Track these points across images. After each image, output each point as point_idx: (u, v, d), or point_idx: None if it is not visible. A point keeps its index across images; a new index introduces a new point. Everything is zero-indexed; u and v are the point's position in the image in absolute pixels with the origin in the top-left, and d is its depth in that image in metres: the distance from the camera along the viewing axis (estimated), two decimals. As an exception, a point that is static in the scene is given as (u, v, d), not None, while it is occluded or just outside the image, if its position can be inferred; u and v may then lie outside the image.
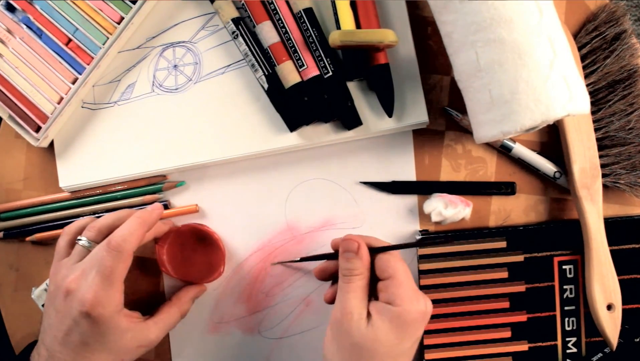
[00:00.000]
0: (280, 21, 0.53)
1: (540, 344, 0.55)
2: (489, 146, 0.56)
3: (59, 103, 0.55)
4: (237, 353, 0.57)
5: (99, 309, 0.46)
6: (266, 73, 0.53)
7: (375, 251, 0.47)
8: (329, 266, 0.52)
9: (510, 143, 0.55)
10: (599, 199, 0.53)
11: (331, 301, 0.49)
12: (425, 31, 0.56)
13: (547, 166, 0.55)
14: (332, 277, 0.52)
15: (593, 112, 0.54)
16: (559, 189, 0.56)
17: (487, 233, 0.55)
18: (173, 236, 0.55)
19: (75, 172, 0.56)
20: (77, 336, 0.46)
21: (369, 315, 0.45)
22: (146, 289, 0.58)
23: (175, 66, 0.56)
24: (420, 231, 0.56)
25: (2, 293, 0.58)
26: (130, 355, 0.49)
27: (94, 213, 0.57)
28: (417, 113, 0.54)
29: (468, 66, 0.47)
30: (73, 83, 0.55)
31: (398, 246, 0.47)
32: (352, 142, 0.56)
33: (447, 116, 0.56)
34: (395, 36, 0.51)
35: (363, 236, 0.49)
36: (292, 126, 0.53)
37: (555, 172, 0.55)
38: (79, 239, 0.49)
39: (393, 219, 0.56)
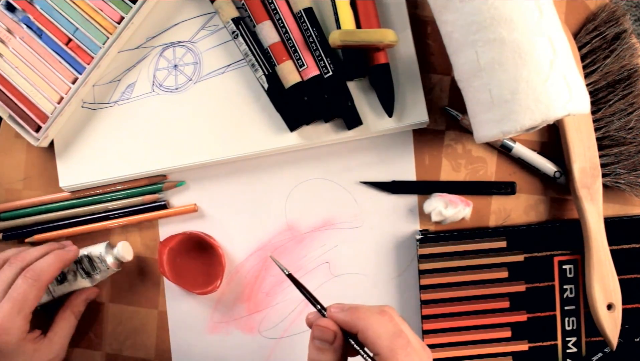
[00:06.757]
0: (280, 21, 0.53)
1: (540, 344, 0.55)
2: (489, 145, 0.56)
3: (59, 103, 0.55)
4: (237, 353, 0.57)
5: (4, 336, 0.46)
6: (266, 73, 0.53)
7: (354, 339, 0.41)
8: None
9: (510, 143, 0.55)
10: (599, 199, 0.53)
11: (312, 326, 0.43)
12: (425, 31, 0.56)
13: (547, 166, 0.55)
14: None
15: (593, 112, 0.54)
16: (559, 189, 0.56)
17: (487, 232, 0.55)
18: (179, 240, 0.55)
19: (75, 172, 0.56)
20: None
21: None
22: (146, 287, 0.58)
23: (175, 65, 0.56)
24: (420, 231, 0.56)
25: (2, 292, 0.58)
26: None
27: (93, 213, 0.57)
28: (417, 113, 0.54)
29: (468, 66, 0.47)
30: (73, 83, 0.55)
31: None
32: (352, 142, 0.56)
33: (447, 116, 0.56)
34: (395, 36, 0.51)
35: (345, 310, 0.41)
36: (292, 125, 0.53)
37: (555, 172, 0.55)
38: None
39: (393, 219, 0.56)
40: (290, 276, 0.44)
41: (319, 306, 0.43)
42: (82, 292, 0.56)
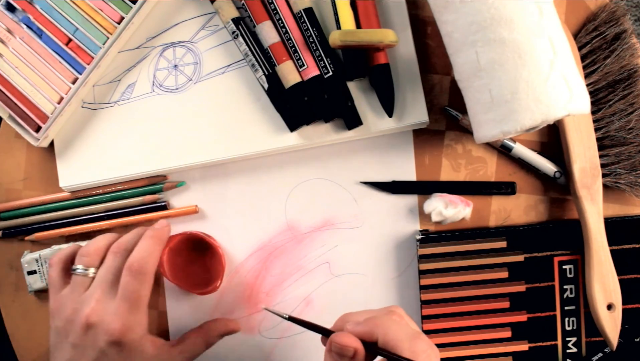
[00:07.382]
0: (280, 21, 0.53)
1: (540, 344, 0.55)
2: (489, 145, 0.56)
3: (59, 103, 0.55)
4: (238, 353, 0.57)
5: (129, 335, 0.46)
6: (266, 73, 0.53)
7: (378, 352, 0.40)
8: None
9: (510, 143, 0.55)
10: (599, 199, 0.53)
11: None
12: (425, 31, 0.56)
13: (547, 166, 0.55)
14: None
15: (593, 112, 0.54)
16: (559, 189, 0.56)
17: (487, 232, 0.55)
18: (179, 240, 0.55)
19: (75, 172, 0.56)
20: None
21: None
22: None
23: (175, 65, 0.56)
24: (420, 231, 0.56)
25: (2, 292, 0.58)
26: None
27: (93, 213, 0.57)
28: (417, 113, 0.54)
29: (468, 66, 0.47)
30: (73, 83, 0.55)
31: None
32: (352, 142, 0.56)
33: (447, 116, 0.56)
34: (395, 36, 0.51)
35: (360, 323, 0.41)
36: (292, 125, 0.53)
37: (556, 172, 0.55)
38: (75, 269, 0.48)
39: (393, 219, 0.57)
40: (291, 318, 0.44)
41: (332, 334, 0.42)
42: (221, 325, 0.54)
